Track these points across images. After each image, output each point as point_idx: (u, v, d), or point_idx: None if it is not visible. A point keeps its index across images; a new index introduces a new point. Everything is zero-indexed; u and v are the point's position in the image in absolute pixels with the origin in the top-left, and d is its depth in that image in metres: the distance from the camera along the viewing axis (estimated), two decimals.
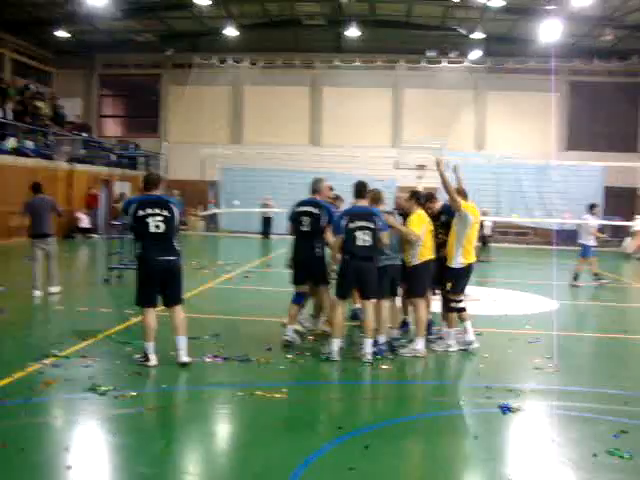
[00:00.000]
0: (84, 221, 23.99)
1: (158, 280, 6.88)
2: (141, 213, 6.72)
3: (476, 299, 11.25)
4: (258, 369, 6.88)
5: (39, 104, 27.73)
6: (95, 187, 25.89)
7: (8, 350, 7.52)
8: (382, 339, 7.64)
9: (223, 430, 5.47)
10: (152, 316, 6.96)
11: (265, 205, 26.90)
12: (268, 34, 29.94)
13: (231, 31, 27.77)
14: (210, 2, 23.96)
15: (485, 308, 11.12)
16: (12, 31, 28.67)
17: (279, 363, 7.10)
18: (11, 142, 20.54)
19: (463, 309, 8.00)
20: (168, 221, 6.80)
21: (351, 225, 7.23)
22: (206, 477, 4.48)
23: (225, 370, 6.88)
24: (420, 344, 7.69)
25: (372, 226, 7.22)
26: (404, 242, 7.73)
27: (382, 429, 5.28)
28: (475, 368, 7.38)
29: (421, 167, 23.79)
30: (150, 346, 6.89)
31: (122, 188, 27.41)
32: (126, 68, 33.32)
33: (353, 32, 26.81)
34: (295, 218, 7.95)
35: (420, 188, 25.34)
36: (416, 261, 7.75)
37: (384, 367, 7.05)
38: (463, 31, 26.38)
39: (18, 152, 21.76)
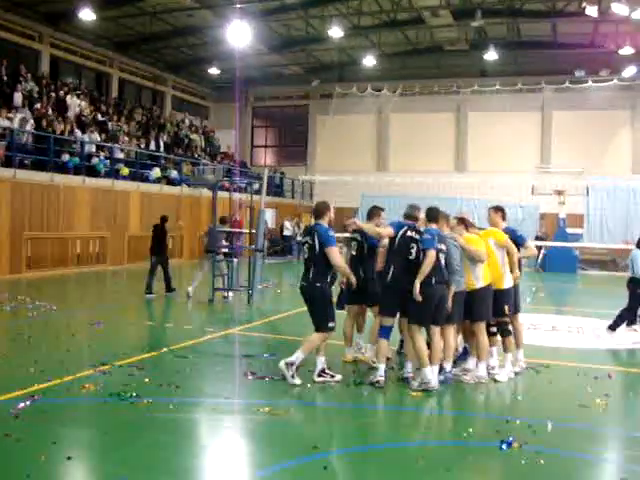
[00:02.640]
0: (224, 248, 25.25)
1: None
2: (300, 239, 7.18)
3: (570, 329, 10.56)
4: (281, 388, 6.94)
5: (193, 136, 29.86)
6: (239, 213, 27.23)
7: (76, 355, 8.18)
8: (449, 366, 7.44)
9: (190, 437, 5.58)
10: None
11: None
12: (409, 61, 30.15)
13: (371, 60, 28.22)
14: (342, 34, 24.41)
15: (571, 339, 10.41)
16: (172, 71, 31.23)
17: (307, 383, 7.11)
18: (156, 172, 22.28)
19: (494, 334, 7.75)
20: (311, 248, 7.12)
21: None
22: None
23: (254, 387, 7.00)
24: (482, 369, 7.46)
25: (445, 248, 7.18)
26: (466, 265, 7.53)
27: (354, 453, 5.16)
28: (511, 400, 6.94)
29: (559, 193, 22.66)
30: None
31: (267, 215, 28.67)
32: (276, 100, 34.99)
33: (493, 55, 26.19)
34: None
35: (562, 214, 24.32)
36: (480, 284, 7.52)
37: (413, 394, 6.82)
38: (612, 47, 24.86)
39: (169, 181, 23.58)
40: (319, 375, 7.19)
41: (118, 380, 6.96)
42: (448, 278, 7.15)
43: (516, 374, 7.81)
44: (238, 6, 22.65)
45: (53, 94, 21.31)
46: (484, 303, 7.53)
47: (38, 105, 20.09)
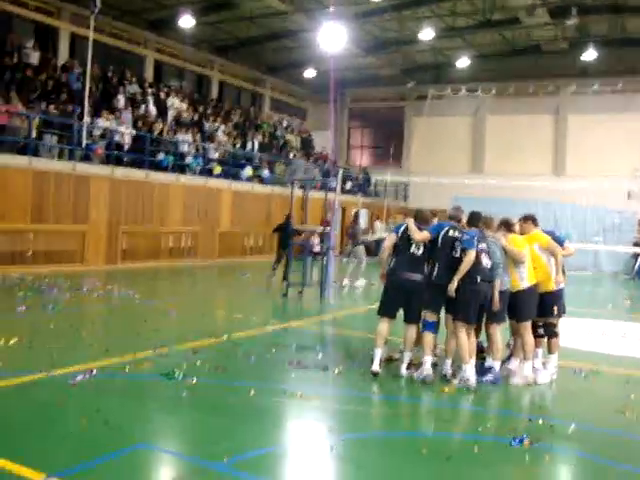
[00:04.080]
0: (316, 246, 25.79)
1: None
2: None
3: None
4: (327, 377, 7.27)
5: (289, 137, 30.64)
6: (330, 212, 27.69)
7: (142, 338, 8.81)
8: (498, 366, 7.53)
9: (207, 411, 5.92)
10: (385, 326, 7.51)
11: None
12: (506, 62, 29.64)
13: (467, 61, 28.00)
14: (433, 35, 24.39)
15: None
16: (270, 73, 32.17)
17: (352, 375, 7.40)
18: (247, 171, 23.09)
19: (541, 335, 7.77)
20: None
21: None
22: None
23: (292, 374, 7.36)
24: (528, 369, 7.51)
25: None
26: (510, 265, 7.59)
27: (363, 439, 5.44)
28: (543, 401, 6.96)
29: None
30: (377, 352, 7.43)
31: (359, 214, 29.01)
32: (373, 101, 35.27)
33: (592, 54, 25.35)
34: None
35: None
36: (525, 284, 7.57)
37: (446, 390, 6.97)
38: None
39: (261, 180, 24.36)
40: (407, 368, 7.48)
41: (172, 362, 7.48)
42: (492, 276, 7.25)
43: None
44: (331, 9, 23.16)
45: (152, 96, 22.46)
46: (529, 303, 7.57)
47: (140, 107, 21.35)
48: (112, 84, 21.49)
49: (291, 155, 28.68)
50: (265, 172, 24.53)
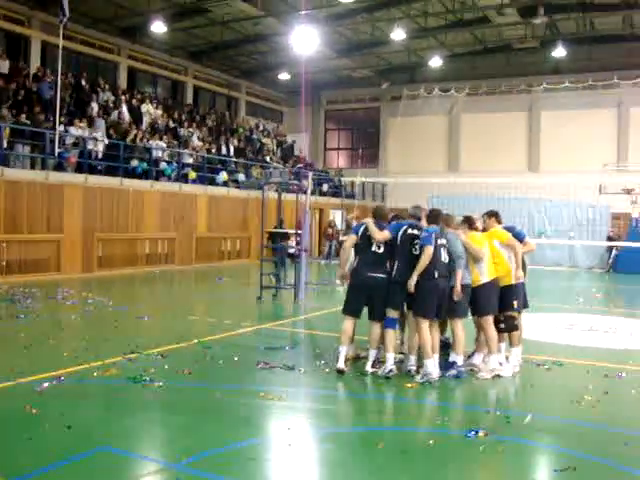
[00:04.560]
0: (291, 249, 25.90)
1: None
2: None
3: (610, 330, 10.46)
4: (283, 376, 7.39)
5: (265, 140, 30.75)
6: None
7: (112, 344, 8.88)
8: (460, 360, 7.68)
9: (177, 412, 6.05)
10: (349, 324, 7.64)
11: None
12: (479, 61, 29.99)
13: (440, 61, 28.26)
14: (405, 36, 24.60)
15: (603, 339, 10.37)
16: (245, 77, 32.27)
17: (318, 374, 7.52)
18: (223, 176, 23.17)
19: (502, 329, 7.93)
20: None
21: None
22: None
23: (259, 375, 7.47)
24: (494, 363, 7.67)
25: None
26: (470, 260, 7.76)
27: (322, 435, 5.57)
28: (503, 394, 7.13)
29: (629, 191, 22.03)
30: (341, 350, 7.57)
31: (334, 216, 29.25)
32: (348, 103, 35.47)
33: (562, 52, 25.72)
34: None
35: (636, 213, 23.60)
36: (485, 279, 7.74)
37: (409, 385, 7.11)
38: None
39: (237, 184, 24.40)
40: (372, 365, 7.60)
41: (140, 366, 7.58)
42: (450, 271, 7.42)
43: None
44: (303, 12, 23.31)
45: (125, 103, 22.46)
46: (489, 298, 7.74)
47: (113, 114, 21.37)
48: (85, 92, 21.49)
49: (267, 158, 28.77)
50: (241, 176, 24.62)
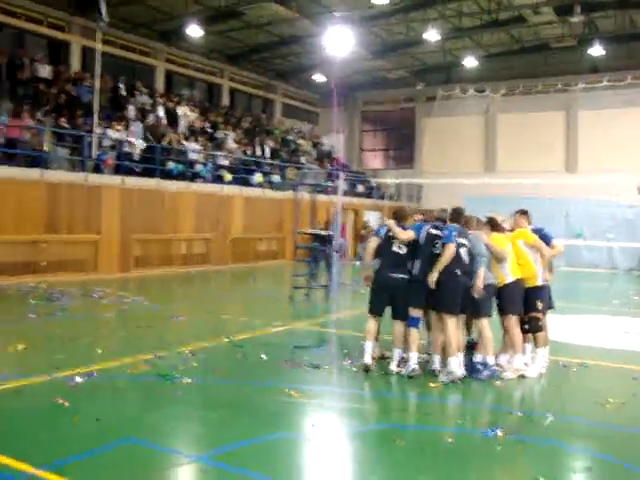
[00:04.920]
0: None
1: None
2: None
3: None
4: (319, 375, 7.51)
5: (300, 141, 30.95)
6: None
7: (144, 342, 9.12)
8: (492, 360, 7.69)
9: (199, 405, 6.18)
10: (372, 323, 7.82)
11: None
12: (515, 60, 29.69)
13: (476, 61, 28.10)
14: (439, 37, 24.53)
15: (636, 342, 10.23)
16: (281, 79, 32.53)
17: (344, 373, 7.63)
18: (258, 177, 23.40)
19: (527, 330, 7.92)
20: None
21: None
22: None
23: (287, 373, 7.60)
24: (518, 363, 7.68)
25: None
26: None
27: (344, 432, 5.68)
28: (528, 394, 7.14)
29: None
30: (367, 345, 7.74)
31: (369, 217, 29.28)
32: (384, 104, 35.47)
33: (599, 50, 25.35)
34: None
35: None
36: (510, 279, 7.76)
37: (432, 385, 7.16)
38: None
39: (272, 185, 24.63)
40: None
41: (171, 364, 7.77)
42: (471, 270, 7.46)
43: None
44: (337, 14, 23.44)
45: (162, 106, 22.85)
46: (514, 297, 7.74)
47: (150, 117, 21.77)
48: (123, 95, 21.93)
49: (303, 160, 28.94)
50: (275, 177, 24.82)
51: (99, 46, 18.17)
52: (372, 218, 29.31)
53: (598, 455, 5.20)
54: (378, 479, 4.64)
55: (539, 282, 7.82)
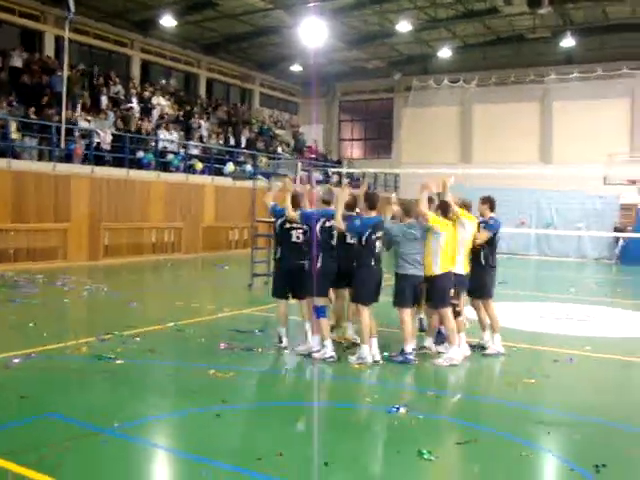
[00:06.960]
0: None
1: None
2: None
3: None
4: (249, 357, 7.82)
5: (278, 131, 31.16)
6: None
7: (91, 326, 9.43)
8: (409, 348, 7.96)
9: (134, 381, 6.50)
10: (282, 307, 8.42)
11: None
12: (490, 51, 29.99)
13: (451, 52, 28.36)
14: (411, 28, 24.79)
15: (580, 328, 10.59)
16: (260, 69, 32.70)
17: (270, 354, 7.96)
18: (230, 166, 23.63)
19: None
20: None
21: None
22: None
23: (219, 354, 7.90)
24: (454, 353, 7.91)
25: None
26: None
27: (254, 408, 6.02)
28: (444, 376, 7.44)
29: (633, 182, 21.99)
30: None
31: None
32: (362, 94, 35.70)
33: (571, 42, 25.66)
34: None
35: None
36: (438, 271, 7.95)
37: (356, 366, 7.45)
38: None
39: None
40: None
41: (111, 346, 8.06)
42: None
43: (485, 355, 8.25)
44: (311, 5, 23.61)
45: (136, 96, 23.03)
46: (445, 289, 7.94)
47: (123, 106, 21.96)
48: (97, 85, 22.09)
49: (279, 150, 29.17)
50: (248, 167, 25.04)
51: (67, 35, 18.34)
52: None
53: (484, 428, 5.53)
54: (270, 449, 4.94)
55: (457, 270, 8.03)
